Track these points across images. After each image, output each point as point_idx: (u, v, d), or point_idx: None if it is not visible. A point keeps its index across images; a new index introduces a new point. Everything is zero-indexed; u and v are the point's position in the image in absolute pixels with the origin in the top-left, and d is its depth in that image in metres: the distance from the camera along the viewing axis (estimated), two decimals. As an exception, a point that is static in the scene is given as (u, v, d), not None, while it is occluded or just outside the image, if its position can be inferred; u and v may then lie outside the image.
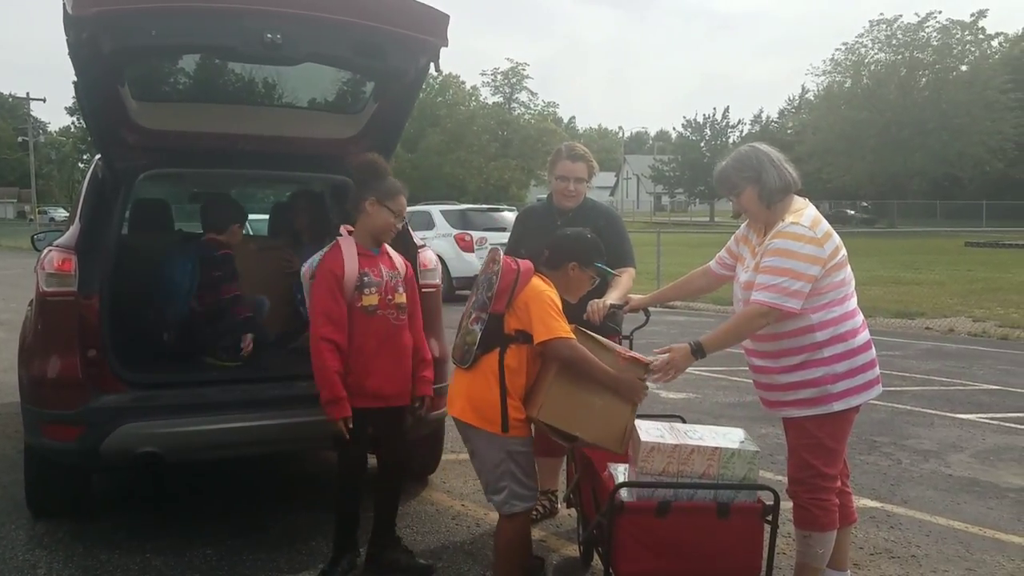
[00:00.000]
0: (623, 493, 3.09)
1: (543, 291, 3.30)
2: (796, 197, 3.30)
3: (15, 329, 5.30)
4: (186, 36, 3.59)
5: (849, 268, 3.31)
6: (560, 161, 4.29)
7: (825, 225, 3.23)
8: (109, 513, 4.63)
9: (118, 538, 4.25)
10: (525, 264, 3.34)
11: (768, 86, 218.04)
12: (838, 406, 3.22)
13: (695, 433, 3.19)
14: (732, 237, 3.60)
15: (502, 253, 3.39)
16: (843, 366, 3.21)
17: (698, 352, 3.23)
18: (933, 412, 7.11)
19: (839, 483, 3.38)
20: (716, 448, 3.08)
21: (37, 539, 4.27)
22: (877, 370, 3.33)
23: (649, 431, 3.18)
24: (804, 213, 3.22)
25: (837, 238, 3.25)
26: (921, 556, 4.15)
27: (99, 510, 4.61)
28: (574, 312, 3.50)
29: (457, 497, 4.93)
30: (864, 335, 3.31)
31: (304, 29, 3.61)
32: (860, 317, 3.33)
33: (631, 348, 4.15)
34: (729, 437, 3.16)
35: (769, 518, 3.11)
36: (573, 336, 3.24)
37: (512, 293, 3.25)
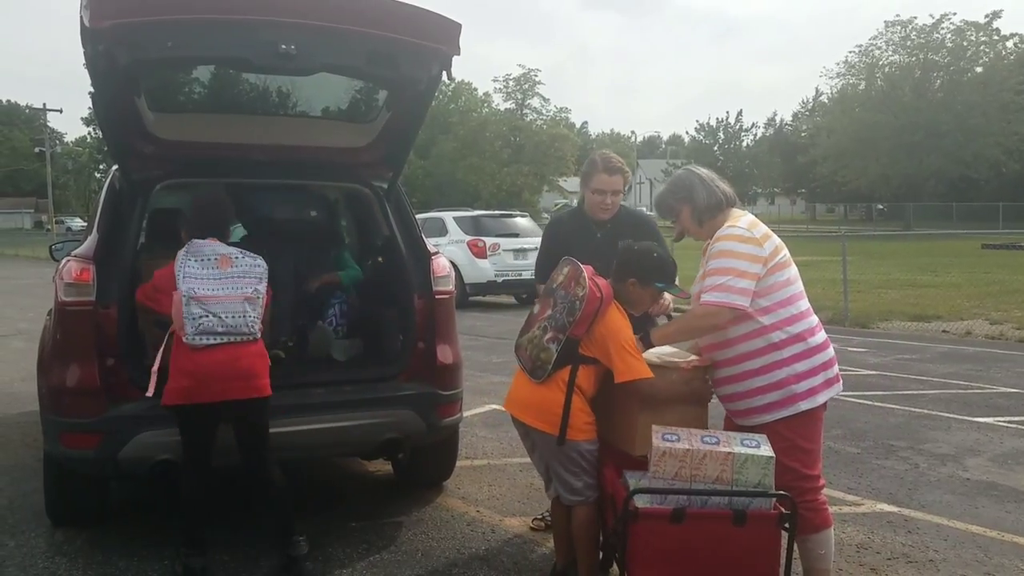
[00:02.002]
0: (637, 500, 3.08)
1: (620, 328, 3.37)
2: (734, 210, 3.44)
3: (33, 339, 5.35)
4: (202, 48, 3.63)
5: (795, 269, 3.38)
6: (596, 174, 4.17)
7: (763, 228, 3.37)
8: (127, 520, 4.67)
9: (136, 545, 4.28)
10: (607, 289, 3.38)
11: (779, 89, 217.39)
12: (804, 405, 3.28)
13: (710, 438, 3.18)
14: None
15: (584, 271, 3.38)
16: (803, 365, 3.28)
17: (644, 340, 3.40)
18: (950, 416, 7.06)
19: (822, 482, 3.42)
20: (729, 453, 3.05)
21: (56, 547, 4.31)
22: (836, 368, 3.42)
23: (664, 436, 3.18)
24: (741, 218, 3.38)
25: (777, 239, 3.35)
26: (939, 560, 4.13)
27: (117, 518, 4.65)
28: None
29: (472, 503, 4.94)
30: (821, 335, 3.38)
31: (318, 40, 3.64)
32: (815, 318, 3.41)
33: None
34: (745, 442, 3.15)
35: (787, 525, 3.08)
36: (652, 374, 3.32)
37: (593, 321, 3.34)
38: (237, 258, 3.81)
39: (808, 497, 3.30)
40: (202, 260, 3.74)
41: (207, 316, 3.65)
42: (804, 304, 3.37)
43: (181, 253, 3.75)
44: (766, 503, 3.06)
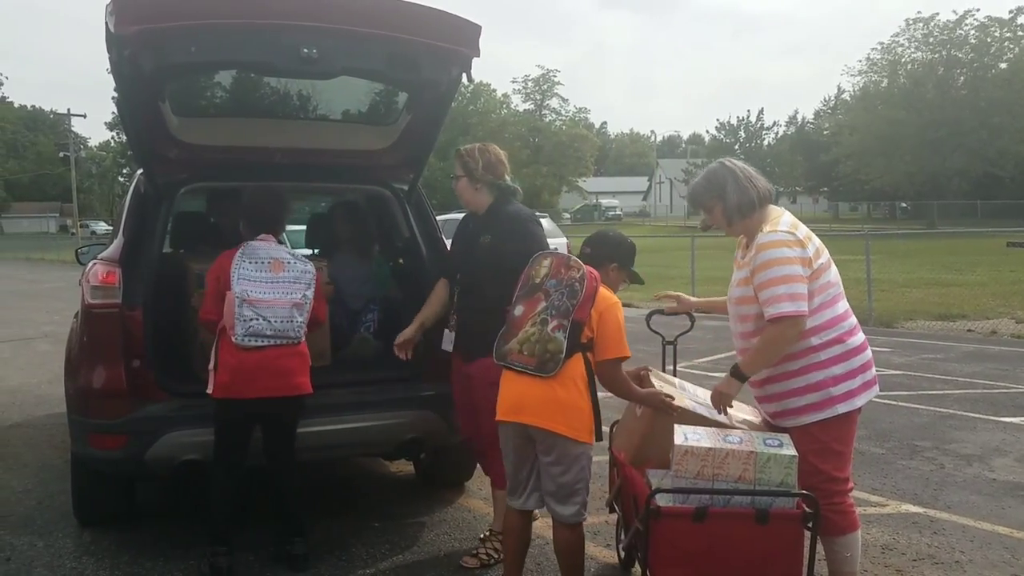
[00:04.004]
0: (660, 499, 3.07)
1: (613, 305, 3.39)
2: (771, 208, 3.38)
3: (59, 341, 5.43)
4: (225, 52, 3.66)
5: (835, 270, 3.34)
6: None
7: (804, 228, 3.31)
8: (154, 521, 4.71)
9: (162, 546, 4.33)
10: (594, 271, 3.37)
11: (799, 86, 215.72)
12: (842, 408, 3.25)
13: (732, 437, 3.17)
14: None
15: (572, 256, 3.41)
16: (841, 368, 3.25)
17: (735, 374, 3.29)
18: (976, 416, 6.99)
19: (851, 485, 3.39)
20: (752, 452, 3.04)
21: (84, 547, 4.36)
22: (874, 371, 3.38)
23: (686, 434, 3.16)
24: (780, 220, 3.29)
25: (818, 241, 3.31)
26: (965, 562, 4.09)
27: (144, 518, 4.70)
28: None
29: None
30: (859, 337, 3.34)
31: (339, 43, 3.67)
32: (853, 319, 3.37)
33: (675, 354, 4.15)
34: (767, 441, 3.13)
35: (810, 525, 3.05)
36: (629, 355, 3.37)
37: (593, 301, 3.29)
38: (289, 263, 3.93)
39: (836, 500, 3.27)
40: (256, 263, 3.87)
41: (257, 319, 3.78)
42: (843, 306, 3.33)
43: (237, 255, 3.87)
44: (789, 502, 3.05)
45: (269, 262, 3.89)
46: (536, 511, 3.62)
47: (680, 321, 4.15)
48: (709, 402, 3.59)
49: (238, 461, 3.96)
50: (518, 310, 3.40)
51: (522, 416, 3.31)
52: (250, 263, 3.86)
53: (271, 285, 3.85)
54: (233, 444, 3.93)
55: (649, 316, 4.26)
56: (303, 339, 3.94)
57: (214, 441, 3.91)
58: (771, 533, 3.00)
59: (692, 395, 3.71)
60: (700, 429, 3.23)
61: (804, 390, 3.25)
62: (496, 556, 4.05)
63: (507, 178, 4.05)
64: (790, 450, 3.08)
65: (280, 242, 4.15)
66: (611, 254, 3.57)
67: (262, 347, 3.81)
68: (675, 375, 4.05)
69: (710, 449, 3.06)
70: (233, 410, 3.86)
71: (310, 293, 3.95)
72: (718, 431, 3.24)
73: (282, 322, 3.83)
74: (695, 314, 4.16)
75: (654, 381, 3.67)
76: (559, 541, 3.45)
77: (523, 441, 3.38)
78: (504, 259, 3.75)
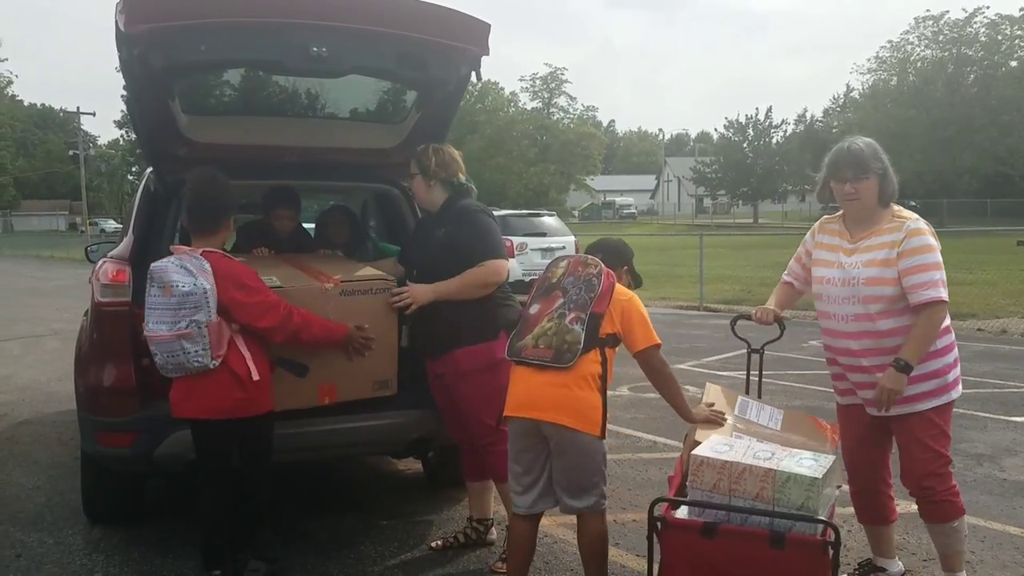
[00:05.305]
0: (661, 508, 2.97)
1: (633, 297, 3.46)
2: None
3: (69, 339, 5.44)
4: (234, 51, 3.67)
5: None
6: None
7: None
8: (163, 518, 4.73)
9: (172, 543, 4.34)
10: (609, 270, 3.45)
11: (807, 84, 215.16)
12: (955, 394, 3.43)
13: (764, 452, 2.97)
14: (800, 250, 3.76)
15: (588, 256, 3.51)
16: (951, 356, 3.43)
17: (904, 368, 3.29)
18: (986, 415, 6.96)
19: None
20: (770, 470, 2.84)
21: (94, 544, 4.38)
22: None
23: (713, 444, 3.03)
24: (913, 214, 3.44)
25: None
26: (976, 562, 4.07)
27: (153, 515, 4.72)
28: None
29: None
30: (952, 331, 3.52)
31: (349, 42, 3.68)
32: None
33: (761, 362, 3.92)
34: (802, 460, 2.90)
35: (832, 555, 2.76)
36: (660, 342, 3.40)
37: (611, 296, 3.35)
38: (175, 285, 3.43)
39: (952, 483, 3.42)
40: (154, 286, 3.49)
41: (157, 355, 3.48)
42: None
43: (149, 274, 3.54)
44: (811, 528, 2.80)
45: (161, 287, 3.45)
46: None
47: (773, 330, 3.90)
48: (768, 424, 3.50)
49: (223, 469, 3.76)
50: (534, 308, 3.46)
51: (534, 412, 3.28)
52: (151, 286, 3.49)
53: (160, 312, 3.44)
54: (207, 448, 3.71)
55: (733, 321, 4.07)
56: (216, 363, 3.49)
57: (195, 450, 3.75)
58: (788, 559, 2.76)
59: (747, 418, 3.50)
60: (733, 441, 3.10)
61: (922, 378, 3.35)
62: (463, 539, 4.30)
63: (461, 176, 4.09)
64: (815, 472, 2.83)
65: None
66: (622, 258, 3.67)
67: (180, 377, 3.53)
68: (760, 385, 3.88)
69: (726, 462, 2.89)
70: (195, 426, 3.67)
71: (202, 316, 3.42)
72: (752, 445, 3.07)
73: (172, 356, 3.43)
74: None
75: (711, 397, 3.57)
76: (585, 536, 3.38)
77: (534, 440, 3.34)
78: (458, 249, 3.87)
